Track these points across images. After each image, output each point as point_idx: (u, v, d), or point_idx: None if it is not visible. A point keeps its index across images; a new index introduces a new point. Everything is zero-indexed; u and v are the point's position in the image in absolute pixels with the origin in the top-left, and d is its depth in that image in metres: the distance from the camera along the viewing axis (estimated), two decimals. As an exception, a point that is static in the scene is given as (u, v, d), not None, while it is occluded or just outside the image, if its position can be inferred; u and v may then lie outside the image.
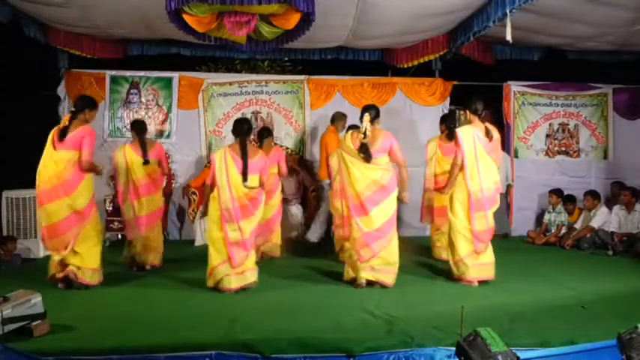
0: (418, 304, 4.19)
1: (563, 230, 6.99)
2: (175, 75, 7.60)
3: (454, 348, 2.79)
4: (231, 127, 7.47)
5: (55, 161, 4.56)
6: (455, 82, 7.81)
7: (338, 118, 6.83)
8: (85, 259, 4.56)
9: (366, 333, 3.46)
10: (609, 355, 3.04)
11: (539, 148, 7.89)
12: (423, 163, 6.20)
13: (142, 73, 7.60)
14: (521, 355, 2.66)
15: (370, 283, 4.71)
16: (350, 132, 4.99)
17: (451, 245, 4.86)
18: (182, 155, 7.52)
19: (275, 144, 6.88)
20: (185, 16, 5.15)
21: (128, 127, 7.39)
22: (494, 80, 7.89)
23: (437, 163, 5.89)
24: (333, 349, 3.18)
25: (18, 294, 3.46)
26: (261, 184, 4.70)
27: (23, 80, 7.27)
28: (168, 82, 7.57)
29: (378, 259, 4.65)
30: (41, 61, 7.34)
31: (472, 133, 4.79)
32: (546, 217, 7.20)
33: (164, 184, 5.92)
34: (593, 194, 6.87)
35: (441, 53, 7.40)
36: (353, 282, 4.75)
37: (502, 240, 6.73)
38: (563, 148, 7.94)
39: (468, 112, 4.98)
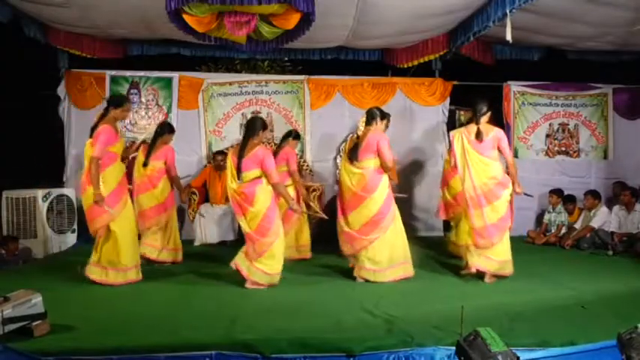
0: (418, 304, 4.19)
1: (563, 230, 6.99)
2: (175, 75, 7.60)
3: (454, 348, 2.79)
4: (231, 127, 7.61)
5: (85, 157, 4.82)
6: (455, 82, 7.82)
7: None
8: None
9: (366, 332, 3.46)
10: (609, 355, 3.04)
11: (539, 148, 7.90)
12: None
13: (142, 73, 7.60)
14: (521, 355, 2.66)
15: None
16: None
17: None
18: (182, 155, 7.48)
19: (275, 144, 6.88)
20: (185, 16, 5.16)
21: (128, 127, 7.42)
22: (494, 80, 7.90)
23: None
24: (333, 349, 3.17)
25: (18, 294, 3.46)
26: (267, 176, 4.69)
27: (23, 80, 7.28)
28: (168, 82, 7.57)
29: (362, 257, 4.91)
30: (41, 61, 7.35)
31: (461, 136, 4.96)
32: (546, 217, 7.20)
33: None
34: (593, 194, 6.87)
35: (441, 53, 7.40)
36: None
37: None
38: (563, 148, 7.94)
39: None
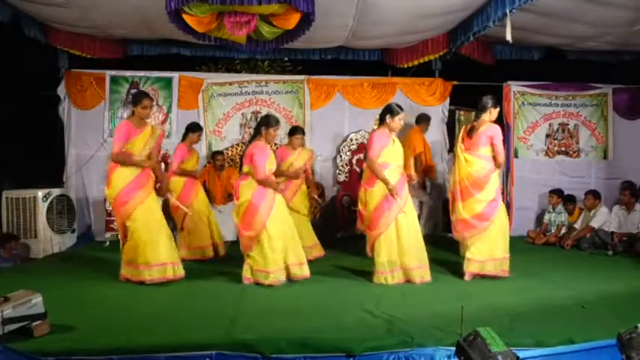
0: (418, 304, 4.19)
1: (563, 230, 6.99)
2: (175, 75, 7.61)
3: (454, 348, 2.79)
4: (231, 127, 7.61)
5: None
6: (455, 82, 7.83)
7: (423, 120, 7.18)
8: None
9: (366, 333, 3.46)
10: (609, 355, 3.05)
11: (539, 148, 7.90)
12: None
13: (142, 73, 7.61)
14: (521, 354, 2.67)
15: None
16: None
17: None
18: (182, 155, 7.51)
19: (276, 144, 6.87)
20: (185, 16, 5.16)
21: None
22: (494, 80, 7.89)
23: None
24: (333, 349, 3.17)
25: (18, 294, 3.46)
26: (253, 172, 4.77)
27: (23, 80, 7.28)
28: (168, 82, 7.57)
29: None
30: (41, 61, 7.35)
31: (460, 135, 5.20)
32: (546, 217, 7.20)
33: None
34: (593, 194, 6.87)
35: (441, 53, 7.40)
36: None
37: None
38: (563, 148, 7.94)
39: None
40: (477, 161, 4.93)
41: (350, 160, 7.59)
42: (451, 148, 7.51)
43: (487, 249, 4.95)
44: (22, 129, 7.52)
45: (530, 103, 7.86)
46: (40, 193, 6.36)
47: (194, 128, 6.16)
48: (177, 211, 5.82)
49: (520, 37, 6.59)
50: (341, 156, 7.69)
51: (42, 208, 6.33)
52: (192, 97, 7.58)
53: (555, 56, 7.85)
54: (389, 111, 4.87)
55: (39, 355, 3.03)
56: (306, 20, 5.32)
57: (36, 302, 3.43)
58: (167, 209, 5.84)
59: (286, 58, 8.30)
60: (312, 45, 7.42)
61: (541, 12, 5.84)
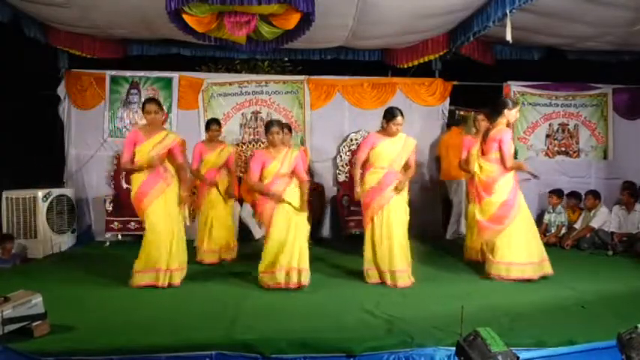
0: (418, 304, 4.19)
1: (563, 230, 6.99)
2: (175, 75, 7.61)
3: (454, 348, 2.79)
4: (231, 127, 7.61)
5: None
6: (455, 83, 7.82)
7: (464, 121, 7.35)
8: None
9: (366, 333, 3.46)
10: (609, 355, 3.04)
11: (539, 149, 7.90)
12: (422, 162, 6.23)
13: (142, 73, 7.61)
14: (521, 355, 2.67)
15: None
16: None
17: None
18: (182, 155, 7.52)
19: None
20: (185, 16, 5.16)
21: (128, 127, 7.42)
22: (494, 80, 7.90)
23: None
24: (333, 349, 3.17)
25: (18, 294, 3.46)
26: None
27: (23, 80, 7.27)
28: (168, 82, 7.58)
29: None
30: (41, 61, 7.34)
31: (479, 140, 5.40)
32: (546, 217, 7.19)
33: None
34: (593, 194, 6.87)
35: (441, 53, 7.40)
36: None
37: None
38: (563, 149, 7.94)
39: None
40: (488, 165, 5.06)
41: (350, 160, 7.58)
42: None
43: (509, 253, 4.89)
44: (22, 129, 7.51)
45: (530, 103, 7.87)
46: (40, 193, 6.36)
47: (207, 124, 6.10)
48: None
49: (520, 37, 6.59)
50: (341, 156, 7.69)
51: (42, 208, 6.33)
52: (192, 97, 7.58)
53: (555, 56, 7.85)
54: (385, 115, 4.94)
55: (39, 356, 3.03)
56: (306, 20, 5.32)
57: (36, 302, 3.43)
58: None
59: (286, 59, 8.30)
60: (312, 45, 7.42)
61: (541, 12, 5.84)
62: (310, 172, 7.46)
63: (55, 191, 6.62)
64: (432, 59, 7.62)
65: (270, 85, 7.74)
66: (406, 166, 4.96)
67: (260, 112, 7.67)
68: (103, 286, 4.70)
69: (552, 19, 6.18)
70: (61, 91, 7.40)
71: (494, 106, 5.13)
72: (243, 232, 7.01)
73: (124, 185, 7.14)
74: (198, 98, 7.57)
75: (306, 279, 4.69)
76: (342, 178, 7.66)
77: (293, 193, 4.75)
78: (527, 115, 7.84)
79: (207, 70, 8.29)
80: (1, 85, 6.97)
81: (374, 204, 4.80)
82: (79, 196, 7.28)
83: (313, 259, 5.84)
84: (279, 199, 4.66)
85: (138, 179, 4.71)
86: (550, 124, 7.93)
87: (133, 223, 6.73)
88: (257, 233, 6.85)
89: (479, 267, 5.41)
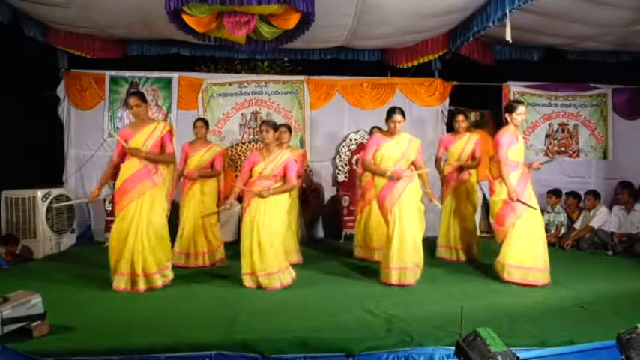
0: (418, 304, 4.19)
1: (563, 230, 6.99)
2: (175, 75, 7.61)
3: (453, 347, 2.79)
4: (230, 128, 7.61)
5: None
6: (454, 83, 7.83)
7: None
8: None
9: (365, 332, 3.46)
10: (608, 355, 3.05)
11: (538, 149, 7.90)
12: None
13: (141, 74, 7.61)
14: (521, 355, 2.66)
15: None
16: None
17: None
18: (182, 155, 7.51)
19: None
20: (185, 17, 5.15)
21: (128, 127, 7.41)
22: (493, 80, 7.90)
23: None
24: (332, 349, 3.17)
25: (18, 294, 3.46)
26: None
27: (23, 80, 7.27)
28: (167, 83, 7.57)
29: None
30: (41, 61, 7.34)
31: None
32: (545, 217, 7.18)
33: None
34: (593, 194, 6.88)
35: (441, 53, 7.40)
36: None
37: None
38: (563, 149, 7.94)
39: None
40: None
41: (349, 160, 7.59)
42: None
43: (510, 254, 4.83)
44: (22, 129, 7.51)
45: (529, 104, 7.86)
46: (40, 193, 6.36)
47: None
48: None
49: (520, 38, 6.59)
50: (340, 156, 7.69)
51: (41, 208, 6.33)
52: (192, 97, 7.58)
53: (555, 56, 7.86)
54: (386, 114, 4.95)
55: (38, 356, 3.02)
56: (306, 20, 5.32)
57: (35, 302, 3.43)
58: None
59: (286, 59, 8.30)
60: (311, 45, 7.43)
61: (541, 12, 5.84)
62: (309, 171, 7.49)
63: (55, 191, 6.61)
64: (432, 59, 7.62)
65: (269, 85, 7.74)
66: (415, 168, 4.95)
67: (260, 113, 7.67)
68: (102, 287, 4.69)
69: (552, 20, 6.18)
70: (61, 91, 7.40)
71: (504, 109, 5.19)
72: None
73: (124, 185, 7.12)
74: (198, 98, 7.58)
75: (273, 282, 4.65)
76: (341, 178, 7.66)
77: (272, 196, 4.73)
78: (526, 116, 7.82)
79: (206, 70, 8.30)
80: (0, 85, 6.97)
81: (386, 204, 4.82)
82: (79, 196, 7.27)
83: (312, 259, 5.89)
84: (265, 195, 4.65)
85: (124, 174, 4.64)
86: (550, 124, 7.93)
87: (132, 223, 6.71)
88: None
89: (479, 267, 5.42)
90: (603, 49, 7.46)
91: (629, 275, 5.25)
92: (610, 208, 6.86)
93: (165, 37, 7.08)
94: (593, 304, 4.12)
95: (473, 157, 5.94)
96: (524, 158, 5.04)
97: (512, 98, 7.70)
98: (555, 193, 7.16)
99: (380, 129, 5.99)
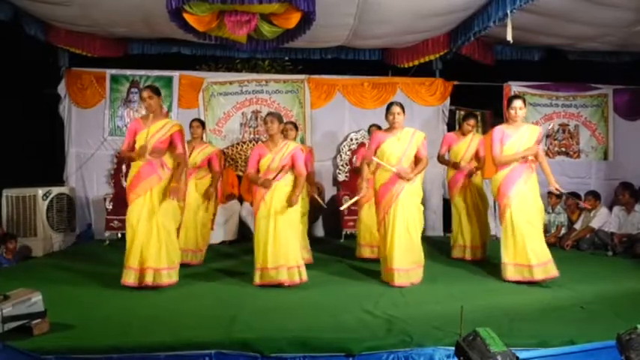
0: (417, 304, 4.19)
1: (563, 231, 6.99)
2: (176, 74, 7.61)
3: (453, 348, 2.79)
4: (231, 126, 7.62)
5: None
6: (455, 82, 7.82)
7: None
8: None
9: (365, 332, 3.45)
10: (608, 356, 3.04)
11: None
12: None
13: (142, 72, 7.61)
14: (521, 355, 2.66)
15: None
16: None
17: None
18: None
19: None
20: (185, 15, 5.16)
21: (129, 125, 7.41)
22: (494, 80, 7.90)
23: None
24: (332, 349, 3.17)
25: (18, 292, 3.46)
26: None
27: (24, 79, 7.27)
28: (168, 81, 7.57)
29: None
30: (42, 59, 7.35)
31: None
32: (546, 217, 7.16)
33: None
34: (593, 195, 6.87)
35: (442, 53, 7.41)
36: None
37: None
38: (564, 149, 7.94)
39: None
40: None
41: (350, 160, 7.58)
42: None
43: (507, 253, 4.80)
44: (22, 127, 7.51)
45: (530, 104, 7.86)
46: (40, 192, 6.37)
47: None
48: None
49: (520, 38, 6.60)
50: (341, 155, 7.69)
51: (42, 206, 6.34)
52: (193, 96, 7.59)
53: (556, 56, 7.86)
54: (386, 108, 4.93)
55: (38, 354, 3.03)
56: (307, 19, 5.32)
57: (36, 300, 3.43)
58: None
59: (287, 58, 8.30)
60: (312, 44, 7.43)
61: (542, 12, 5.84)
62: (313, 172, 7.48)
63: (55, 190, 6.62)
64: (433, 59, 7.63)
65: (270, 85, 7.74)
66: (417, 160, 4.86)
67: (260, 112, 7.67)
68: (102, 285, 4.69)
69: (553, 20, 6.18)
70: (62, 89, 7.40)
71: None
72: (243, 231, 7.03)
73: (124, 184, 7.13)
74: (199, 97, 7.58)
75: (294, 277, 4.65)
76: (341, 177, 7.66)
77: (284, 187, 4.70)
78: (527, 116, 7.77)
79: (207, 69, 8.30)
80: (1, 84, 6.97)
81: (384, 201, 4.77)
82: (79, 194, 7.29)
83: (313, 258, 5.88)
84: (268, 185, 4.62)
85: (132, 171, 4.66)
86: (550, 125, 7.92)
87: (132, 222, 6.72)
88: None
89: (480, 267, 5.42)
90: (604, 50, 7.46)
91: (630, 276, 5.24)
92: (610, 208, 6.85)
93: (166, 35, 7.09)
94: (593, 305, 4.12)
95: (476, 156, 5.95)
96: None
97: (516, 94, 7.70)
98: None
99: (378, 127, 6.01)
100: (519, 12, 5.37)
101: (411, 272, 4.75)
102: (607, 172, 7.92)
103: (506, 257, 4.81)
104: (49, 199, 6.42)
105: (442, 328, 3.46)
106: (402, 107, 4.86)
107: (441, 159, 6.07)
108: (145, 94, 4.69)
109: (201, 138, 5.96)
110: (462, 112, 7.96)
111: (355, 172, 6.50)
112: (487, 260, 5.76)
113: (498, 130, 4.92)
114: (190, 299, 4.38)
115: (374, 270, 5.19)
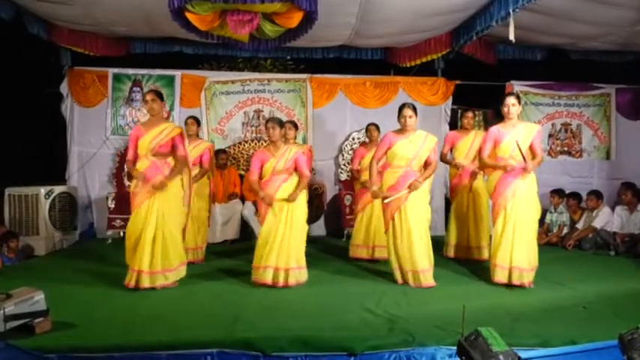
0: (420, 303, 4.19)
1: (565, 230, 6.98)
2: (178, 73, 7.61)
3: (455, 347, 2.79)
4: (233, 126, 7.62)
5: None
6: (457, 82, 7.81)
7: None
8: None
9: (367, 332, 3.46)
10: (610, 356, 3.04)
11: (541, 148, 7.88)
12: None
13: (144, 71, 7.61)
14: (523, 354, 2.66)
15: None
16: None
17: None
18: (184, 153, 7.51)
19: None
20: (188, 14, 5.16)
21: (131, 124, 7.43)
22: (496, 80, 7.89)
23: None
24: (334, 348, 3.17)
25: (20, 291, 3.47)
26: None
27: (26, 78, 7.29)
28: (170, 81, 7.58)
29: None
30: (44, 58, 7.36)
31: None
32: (548, 217, 7.18)
33: None
34: (596, 194, 6.86)
35: (444, 52, 7.40)
36: None
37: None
38: (566, 148, 7.93)
39: None
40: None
41: (352, 159, 7.57)
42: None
43: (499, 255, 4.69)
44: (25, 126, 7.54)
45: (532, 103, 7.86)
46: (43, 190, 6.38)
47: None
48: None
49: (523, 37, 6.59)
50: (343, 155, 7.69)
51: (44, 205, 6.35)
52: (195, 96, 7.59)
53: (558, 56, 7.85)
54: (398, 110, 4.89)
55: (40, 352, 3.04)
56: (309, 19, 5.32)
57: (38, 299, 3.44)
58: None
59: (289, 57, 8.30)
60: (314, 44, 7.42)
61: (544, 12, 5.83)
62: (312, 170, 7.47)
63: (58, 188, 6.63)
64: (435, 58, 7.62)
65: (272, 84, 7.74)
66: (426, 164, 4.83)
67: (262, 111, 7.68)
68: (104, 284, 4.70)
69: (555, 19, 6.17)
70: (64, 88, 7.41)
71: None
72: (245, 230, 7.03)
73: (126, 183, 7.15)
74: (201, 96, 7.58)
75: (294, 279, 4.68)
76: (343, 176, 7.66)
77: (289, 188, 4.72)
78: (529, 115, 7.82)
79: (209, 68, 8.30)
80: (3, 83, 6.99)
81: (392, 203, 4.72)
82: (82, 193, 7.30)
83: (314, 258, 5.87)
84: (269, 202, 4.67)
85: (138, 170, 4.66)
86: (553, 124, 7.92)
87: (134, 221, 6.72)
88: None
89: (480, 267, 5.41)
90: (606, 49, 7.45)
91: (632, 276, 5.23)
92: (613, 208, 6.83)
93: (168, 35, 7.09)
94: (595, 305, 4.11)
95: (480, 154, 5.93)
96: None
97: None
98: (558, 192, 7.14)
99: (376, 125, 5.99)
100: (522, 11, 5.36)
101: (428, 273, 4.72)
102: (609, 171, 7.91)
103: (494, 258, 4.74)
104: (51, 197, 6.43)
105: (444, 327, 3.46)
106: (415, 109, 4.82)
107: (443, 158, 6.05)
108: (149, 97, 4.71)
109: (197, 135, 5.97)
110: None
111: (353, 175, 6.46)
112: (489, 260, 5.75)
113: (493, 130, 4.83)
114: (192, 298, 4.38)
115: (375, 269, 5.20)
